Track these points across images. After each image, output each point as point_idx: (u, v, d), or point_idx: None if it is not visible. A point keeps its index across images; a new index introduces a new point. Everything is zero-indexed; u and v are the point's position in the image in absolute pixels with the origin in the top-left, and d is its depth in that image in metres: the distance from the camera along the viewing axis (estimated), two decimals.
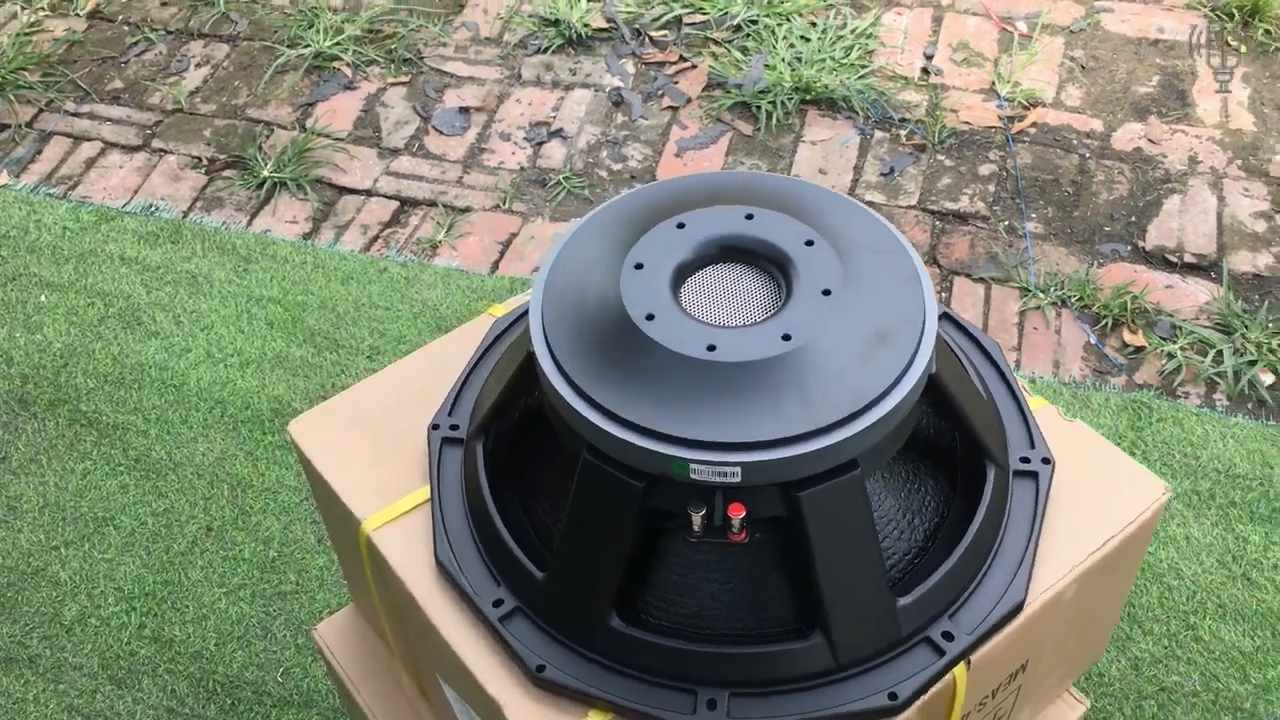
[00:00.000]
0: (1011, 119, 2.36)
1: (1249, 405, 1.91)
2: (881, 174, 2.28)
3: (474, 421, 1.13)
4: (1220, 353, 1.96)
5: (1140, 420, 1.88)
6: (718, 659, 0.95)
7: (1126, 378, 1.95)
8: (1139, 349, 1.98)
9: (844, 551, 0.93)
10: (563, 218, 2.26)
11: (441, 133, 2.45)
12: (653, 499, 0.91)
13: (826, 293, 0.94)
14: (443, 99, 2.52)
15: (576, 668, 0.97)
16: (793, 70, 2.43)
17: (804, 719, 0.94)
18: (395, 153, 2.42)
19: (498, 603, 1.01)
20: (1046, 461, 1.08)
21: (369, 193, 2.36)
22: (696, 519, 0.91)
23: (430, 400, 1.16)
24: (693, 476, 0.87)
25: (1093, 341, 2.00)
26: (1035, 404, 1.13)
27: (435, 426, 1.15)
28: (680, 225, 1.03)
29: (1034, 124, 2.36)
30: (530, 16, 2.67)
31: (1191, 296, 2.06)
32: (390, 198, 2.34)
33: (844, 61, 2.44)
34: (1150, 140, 2.31)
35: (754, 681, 0.95)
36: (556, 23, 2.63)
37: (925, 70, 2.47)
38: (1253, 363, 1.95)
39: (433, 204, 2.32)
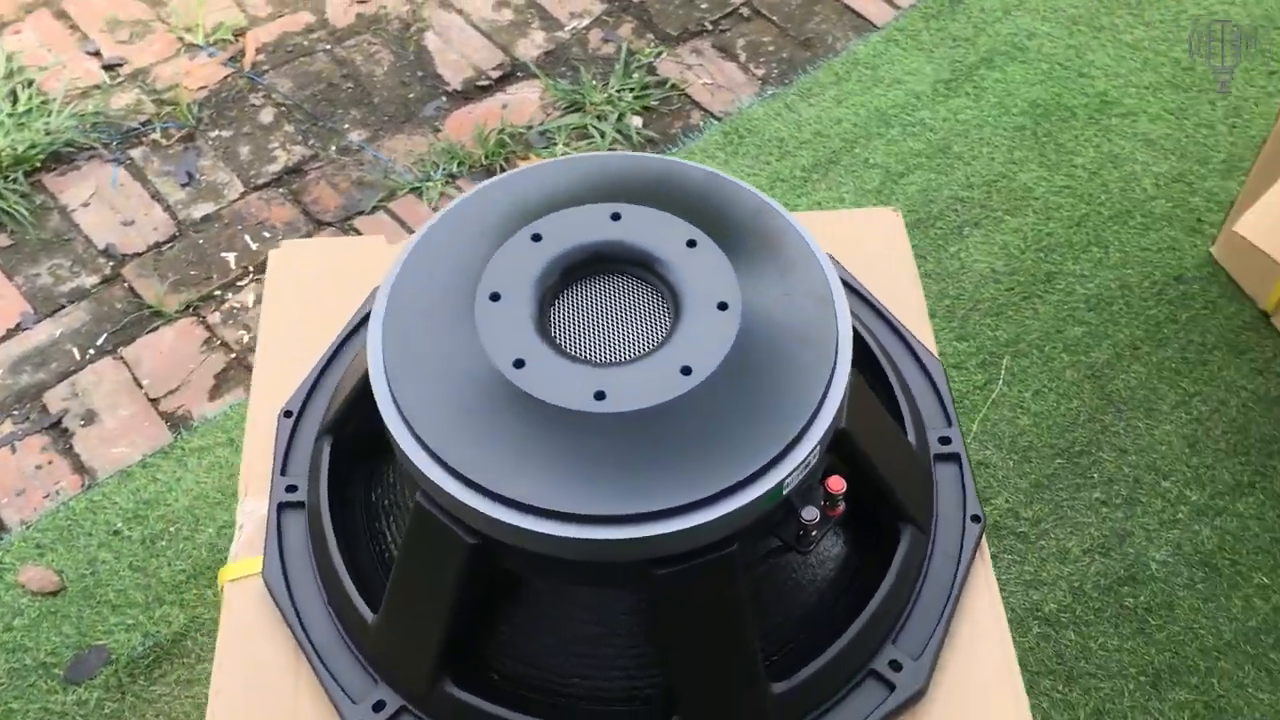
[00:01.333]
0: (236, 58, 2.18)
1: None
2: (183, 184, 2.01)
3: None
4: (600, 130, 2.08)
5: None
6: None
7: None
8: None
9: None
10: None
11: None
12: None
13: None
14: None
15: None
16: None
17: None
18: None
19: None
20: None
21: None
22: None
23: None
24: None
25: None
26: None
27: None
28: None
29: (259, 51, 2.20)
30: None
31: (529, 100, 2.13)
32: None
33: (12, 114, 2.05)
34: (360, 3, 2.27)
35: None
36: None
37: (108, 67, 2.16)
38: (620, 117, 2.10)
39: None
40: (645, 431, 0.77)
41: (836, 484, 0.82)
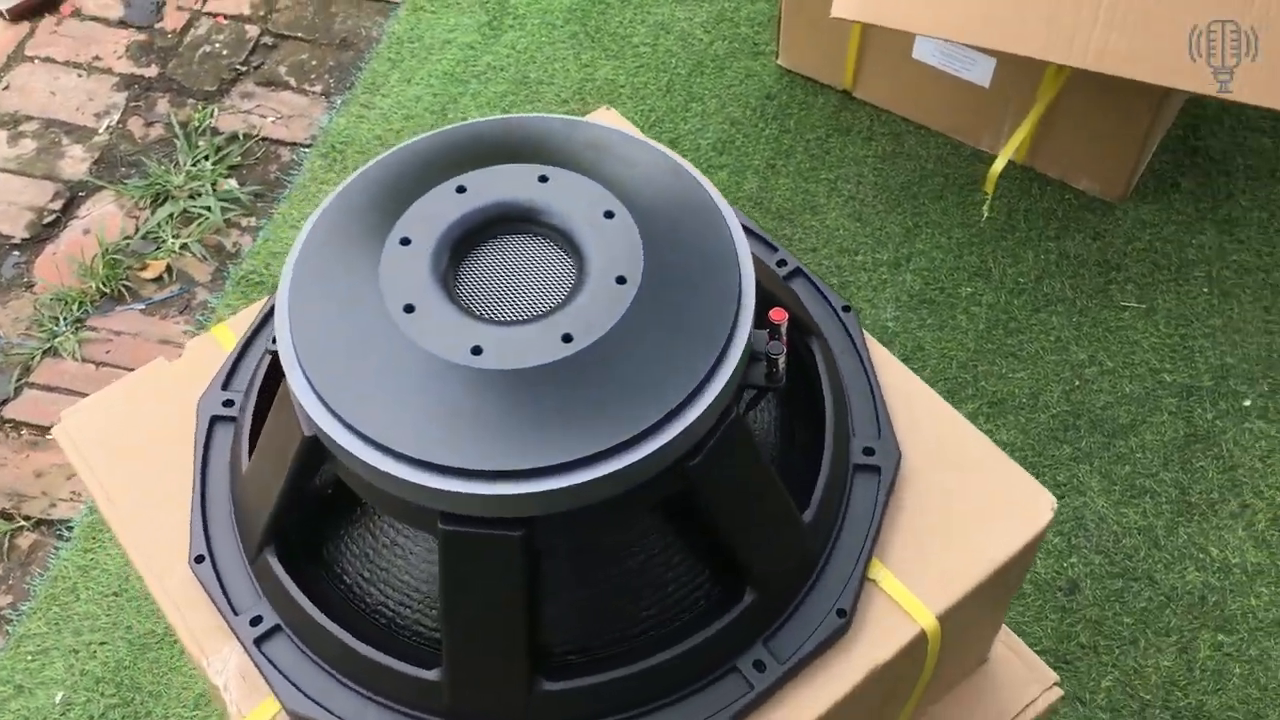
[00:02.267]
0: None
1: None
2: None
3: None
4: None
5: None
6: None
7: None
8: None
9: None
10: None
11: None
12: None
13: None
14: None
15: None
16: None
17: None
18: None
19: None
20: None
21: None
22: None
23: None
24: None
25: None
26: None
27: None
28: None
29: None
30: None
31: (110, 214, 1.98)
32: None
33: None
34: None
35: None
36: None
37: None
38: (214, 185, 2.01)
39: None
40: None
41: (778, 315, 0.89)
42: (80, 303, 1.88)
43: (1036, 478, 1.00)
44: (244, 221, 1.98)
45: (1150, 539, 1.59)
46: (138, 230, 1.97)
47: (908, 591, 0.95)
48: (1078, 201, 1.90)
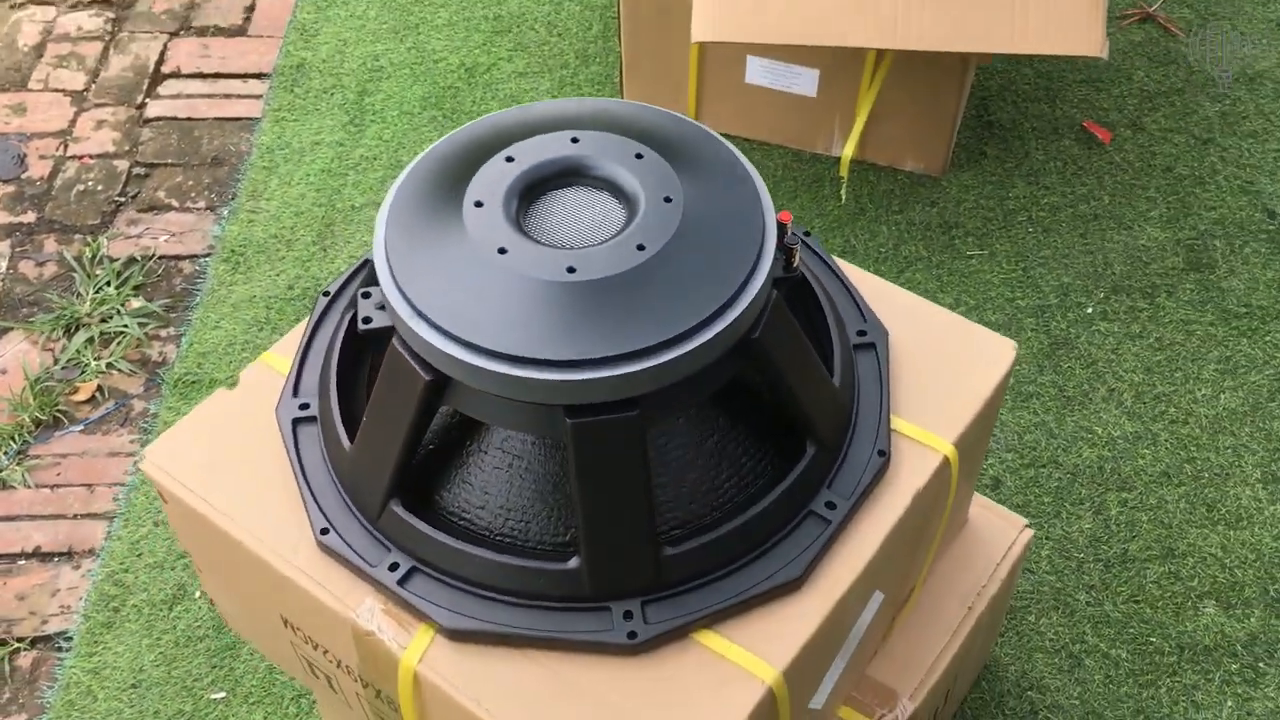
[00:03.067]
0: None
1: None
2: None
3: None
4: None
5: None
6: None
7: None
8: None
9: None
10: None
11: None
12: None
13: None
14: None
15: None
16: None
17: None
18: None
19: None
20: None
21: None
22: None
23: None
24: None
25: None
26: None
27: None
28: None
29: None
30: None
31: (25, 351, 2.02)
32: None
33: None
34: None
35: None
36: None
37: None
38: (124, 305, 2.08)
39: None
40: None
41: (785, 216, 1.09)
42: (17, 435, 1.91)
43: None
44: (163, 332, 2.05)
45: (1046, 431, 1.85)
46: (56, 360, 2.02)
47: (925, 430, 1.16)
48: (909, 180, 2.20)
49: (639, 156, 1.06)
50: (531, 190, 1.04)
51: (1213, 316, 1.98)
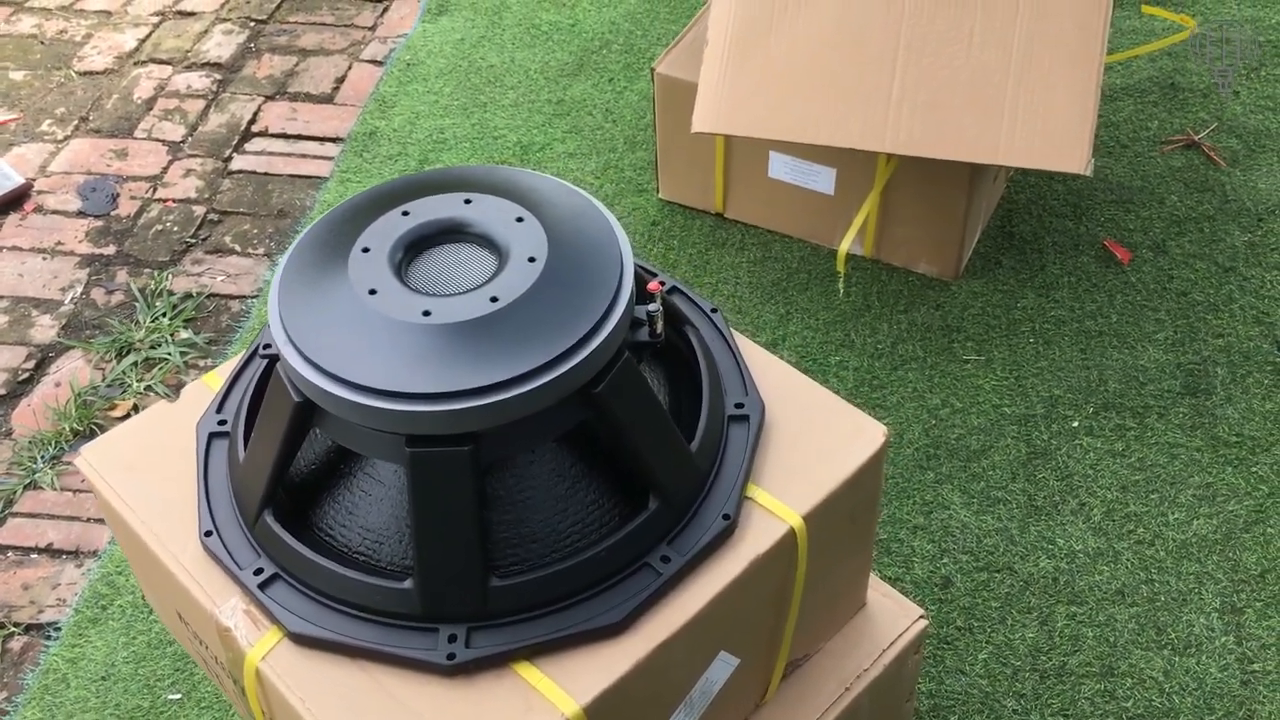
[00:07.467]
0: None
1: None
2: None
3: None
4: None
5: None
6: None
7: None
8: None
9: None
10: None
11: None
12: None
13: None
14: None
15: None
16: None
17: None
18: None
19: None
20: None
21: None
22: None
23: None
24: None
25: None
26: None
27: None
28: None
29: None
30: None
31: (80, 368, 2.23)
32: None
33: None
34: None
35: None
36: None
37: None
38: (173, 335, 2.27)
39: None
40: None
41: (654, 286, 1.18)
42: (56, 442, 2.10)
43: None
44: (202, 363, 2.23)
45: (1007, 538, 1.86)
46: (104, 379, 2.21)
47: (777, 500, 1.21)
48: (920, 282, 2.25)
49: (519, 220, 1.16)
50: (418, 243, 1.16)
51: (1201, 442, 1.96)
